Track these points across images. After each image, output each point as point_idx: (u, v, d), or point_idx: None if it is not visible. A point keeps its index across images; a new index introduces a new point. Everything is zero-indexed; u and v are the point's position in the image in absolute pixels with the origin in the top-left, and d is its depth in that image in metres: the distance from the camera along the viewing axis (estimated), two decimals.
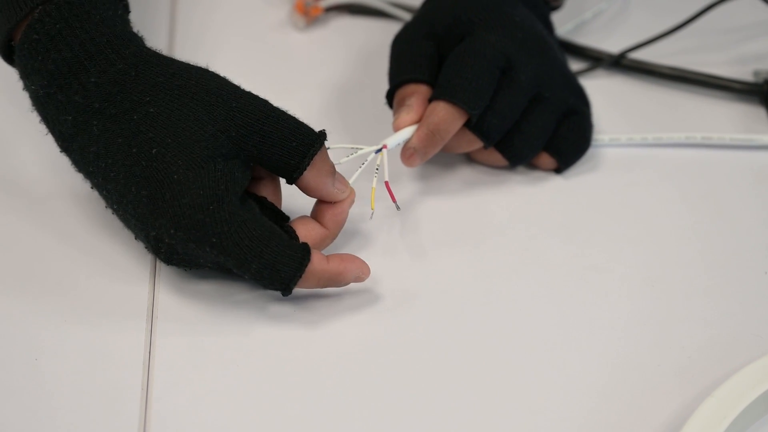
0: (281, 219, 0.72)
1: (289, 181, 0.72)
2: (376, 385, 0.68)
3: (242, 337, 0.70)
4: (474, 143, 0.79)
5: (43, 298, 0.71)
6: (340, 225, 0.73)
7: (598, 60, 0.92)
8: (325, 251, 0.72)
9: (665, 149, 0.85)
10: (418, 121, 0.77)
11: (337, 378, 0.68)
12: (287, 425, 0.66)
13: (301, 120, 0.71)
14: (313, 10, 0.94)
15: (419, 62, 0.79)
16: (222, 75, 0.71)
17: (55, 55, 0.68)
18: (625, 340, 0.71)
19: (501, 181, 0.81)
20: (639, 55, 0.92)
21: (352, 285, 0.72)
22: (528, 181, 0.82)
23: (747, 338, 0.72)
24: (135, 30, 0.72)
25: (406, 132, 0.77)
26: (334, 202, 0.72)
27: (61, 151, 0.72)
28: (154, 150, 0.68)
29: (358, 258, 0.71)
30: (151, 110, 0.69)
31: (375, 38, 0.93)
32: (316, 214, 0.73)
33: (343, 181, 0.73)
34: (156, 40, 0.88)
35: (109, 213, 0.73)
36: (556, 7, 0.89)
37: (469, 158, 0.82)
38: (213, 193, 0.67)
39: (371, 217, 0.76)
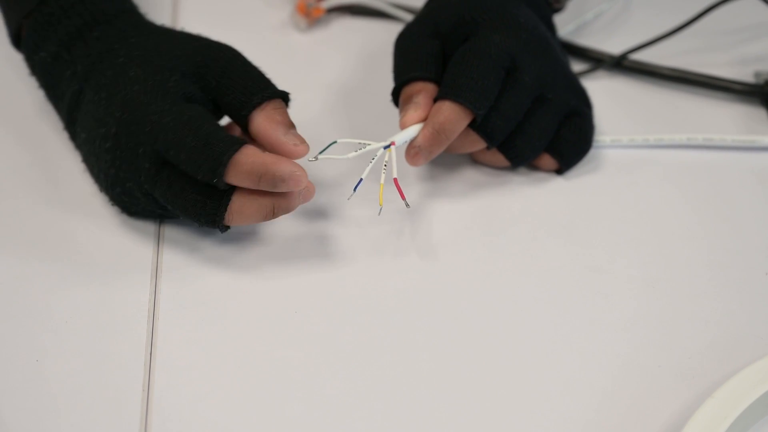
0: None
1: (241, 123, 0.74)
2: (380, 386, 0.68)
3: (244, 338, 0.70)
4: (477, 144, 0.79)
5: (43, 300, 0.71)
6: None
7: (599, 61, 0.92)
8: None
9: (667, 150, 0.85)
10: (425, 118, 0.77)
11: (341, 379, 0.68)
12: (287, 426, 0.66)
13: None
14: (314, 11, 0.94)
15: (426, 60, 0.79)
16: None
17: (66, 22, 0.76)
18: (626, 340, 0.71)
19: (503, 181, 0.81)
20: (640, 56, 0.92)
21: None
22: (529, 182, 0.82)
23: (748, 339, 0.72)
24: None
25: (413, 130, 0.77)
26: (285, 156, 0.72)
27: (63, 128, 0.78)
28: (120, 59, 0.74)
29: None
30: (133, 40, 0.75)
31: (376, 39, 0.93)
32: None
33: (299, 137, 0.73)
34: None
35: (109, 220, 0.75)
36: (558, 9, 0.89)
37: (472, 159, 0.82)
38: (160, 84, 0.72)
39: (380, 213, 0.76)
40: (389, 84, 0.81)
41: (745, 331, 0.72)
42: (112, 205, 0.76)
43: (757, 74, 0.91)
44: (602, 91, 0.88)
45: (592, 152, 0.83)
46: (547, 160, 0.82)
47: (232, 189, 0.71)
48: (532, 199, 0.81)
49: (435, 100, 0.77)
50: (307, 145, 0.73)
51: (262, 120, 0.73)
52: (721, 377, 0.68)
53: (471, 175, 0.82)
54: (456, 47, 0.79)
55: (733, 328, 0.72)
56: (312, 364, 0.69)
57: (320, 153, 0.74)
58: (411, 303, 0.73)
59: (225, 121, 0.77)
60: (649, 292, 0.75)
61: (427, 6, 0.84)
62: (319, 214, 0.78)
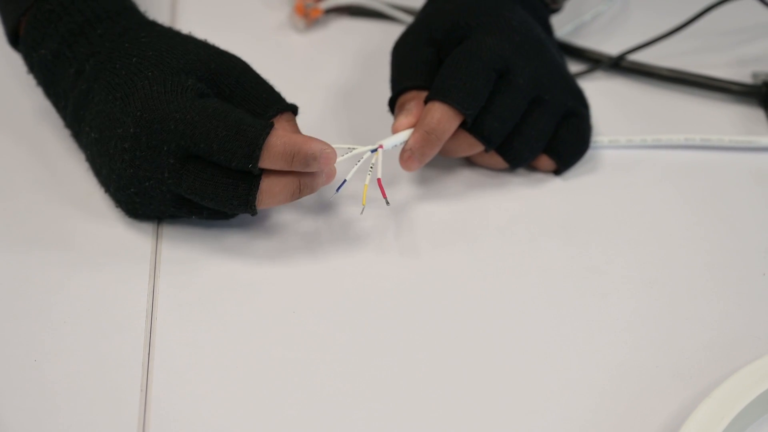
0: None
1: None
2: (380, 387, 0.68)
3: (242, 337, 0.70)
4: (475, 147, 0.79)
5: (42, 299, 0.71)
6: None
7: (597, 62, 0.92)
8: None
9: (664, 151, 0.85)
10: (416, 123, 0.78)
11: (340, 379, 0.68)
12: (286, 425, 0.66)
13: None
14: (312, 12, 0.94)
15: (420, 69, 0.80)
16: None
17: (67, 19, 0.76)
18: (624, 341, 0.71)
19: (501, 183, 0.81)
20: (638, 57, 0.92)
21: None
22: (528, 183, 0.82)
23: (746, 339, 0.72)
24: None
25: (404, 135, 0.77)
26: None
27: (65, 126, 0.78)
28: (134, 59, 0.74)
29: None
30: (143, 39, 0.75)
31: (375, 40, 0.93)
32: None
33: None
34: None
35: (108, 221, 0.75)
36: (555, 10, 0.89)
37: (470, 161, 0.82)
38: (179, 84, 0.72)
39: (362, 213, 0.77)
40: (387, 85, 0.81)
41: (743, 331, 0.72)
42: (116, 206, 0.76)
43: (754, 75, 0.91)
44: (600, 92, 0.88)
45: (589, 153, 0.84)
46: (544, 161, 0.82)
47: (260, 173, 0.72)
48: (530, 199, 0.81)
49: (425, 103, 0.78)
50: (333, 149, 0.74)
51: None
52: (719, 377, 0.69)
53: (468, 176, 0.82)
54: (450, 52, 0.79)
55: (731, 328, 0.73)
56: (311, 363, 0.69)
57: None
58: (410, 303, 0.73)
59: None
60: (647, 292, 0.75)
61: (422, 12, 0.85)
62: (320, 214, 0.78)
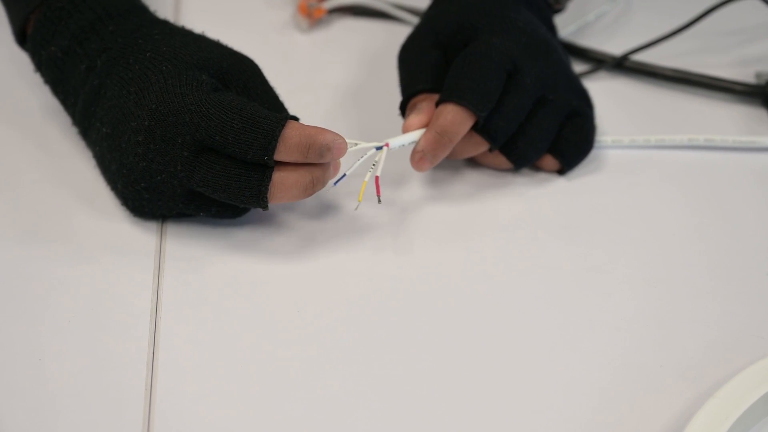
0: None
1: None
2: (381, 387, 0.68)
3: (247, 335, 0.70)
4: (480, 146, 0.79)
5: (46, 297, 0.71)
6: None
7: (600, 62, 0.92)
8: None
9: (668, 151, 0.85)
10: (428, 123, 0.77)
11: (342, 379, 0.68)
12: (290, 424, 0.66)
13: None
14: (316, 12, 0.94)
15: (429, 72, 0.80)
16: None
17: (78, 16, 0.76)
18: (628, 340, 0.71)
19: (505, 183, 0.82)
20: (641, 57, 0.92)
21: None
22: (531, 183, 0.82)
23: (749, 339, 0.72)
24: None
25: (413, 135, 0.77)
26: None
27: (72, 123, 0.78)
28: (148, 54, 0.74)
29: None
30: (156, 36, 0.75)
31: (378, 40, 0.93)
32: None
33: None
34: None
35: (112, 219, 0.75)
36: (559, 10, 0.89)
37: (474, 161, 0.82)
38: (194, 79, 0.73)
39: (356, 209, 0.77)
40: (391, 84, 0.82)
41: (746, 331, 0.72)
42: (122, 204, 0.76)
43: (758, 75, 0.91)
44: (603, 92, 0.88)
45: (593, 153, 0.84)
46: (549, 160, 0.82)
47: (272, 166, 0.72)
48: (534, 199, 0.81)
49: (437, 105, 0.78)
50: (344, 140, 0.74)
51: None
52: (723, 377, 0.69)
53: (473, 176, 0.82)
54: (457, 54, 0.79)
55: (735, 328, 0.73)
56: (316, 361, 0.69)
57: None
58: (413, 302, 0.73)
59: None
60: (650, 292, 0.75)
61: (426, 14, 0.85)
62: (319, 214, 0.78)
